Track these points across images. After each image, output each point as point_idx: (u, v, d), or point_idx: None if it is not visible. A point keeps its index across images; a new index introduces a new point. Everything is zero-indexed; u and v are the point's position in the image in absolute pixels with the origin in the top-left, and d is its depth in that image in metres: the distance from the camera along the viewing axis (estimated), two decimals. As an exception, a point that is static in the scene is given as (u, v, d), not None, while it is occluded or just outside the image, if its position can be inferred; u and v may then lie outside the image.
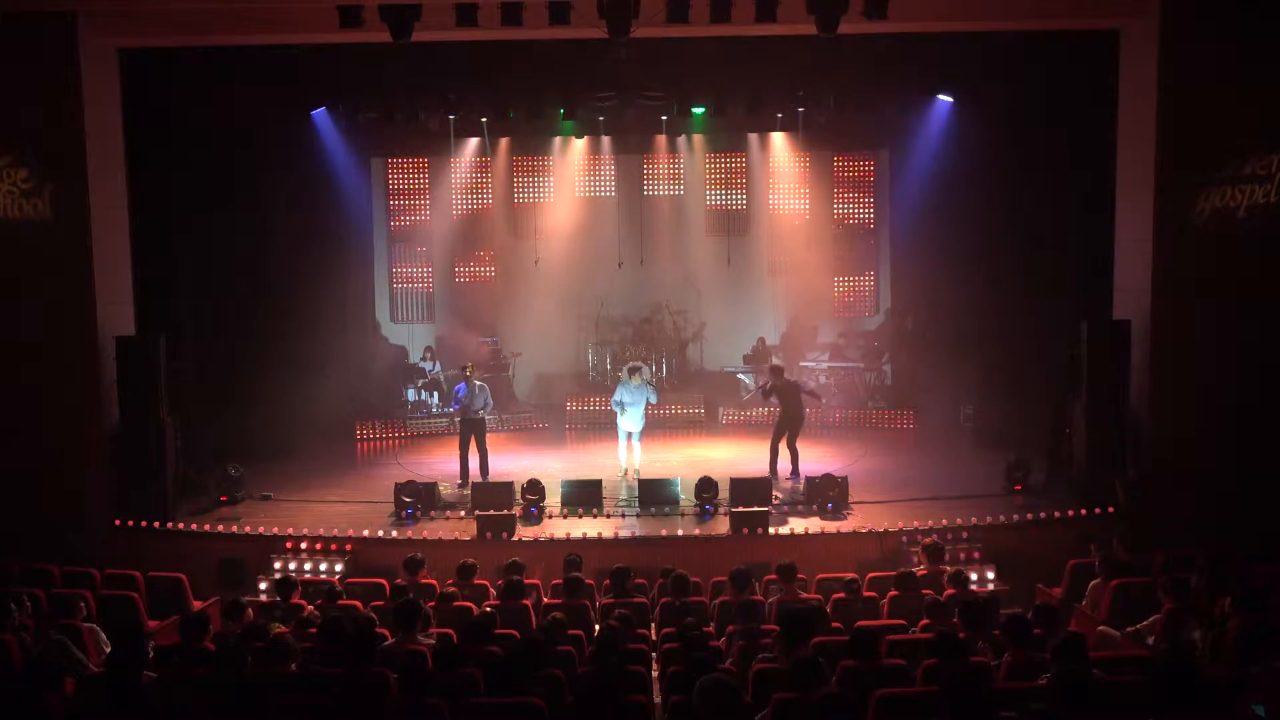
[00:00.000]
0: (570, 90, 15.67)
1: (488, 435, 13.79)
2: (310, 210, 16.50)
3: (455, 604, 8.82)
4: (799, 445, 13.71)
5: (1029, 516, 11.77)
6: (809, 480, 12.40)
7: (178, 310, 13.91)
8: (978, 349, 15.61)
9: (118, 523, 11.90)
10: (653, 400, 13.79)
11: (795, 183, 18.90)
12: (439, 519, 12.18)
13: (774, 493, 12.41)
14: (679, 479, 12.67)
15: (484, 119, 17.21)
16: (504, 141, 18.57)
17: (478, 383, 13.69)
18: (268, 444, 14.78)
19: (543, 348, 19.13)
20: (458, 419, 13.92)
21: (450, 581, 9.46)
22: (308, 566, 11.24)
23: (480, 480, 13.20)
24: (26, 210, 11.69)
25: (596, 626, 8.53)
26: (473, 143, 18.28)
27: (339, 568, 11.18)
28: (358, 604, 8.95)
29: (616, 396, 13.73)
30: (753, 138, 18.61)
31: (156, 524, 11.89)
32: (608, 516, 12.16)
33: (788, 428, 13.55)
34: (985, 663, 6.85)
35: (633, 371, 13.98)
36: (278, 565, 11.26)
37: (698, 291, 18.86)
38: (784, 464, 13.57)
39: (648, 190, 19.12)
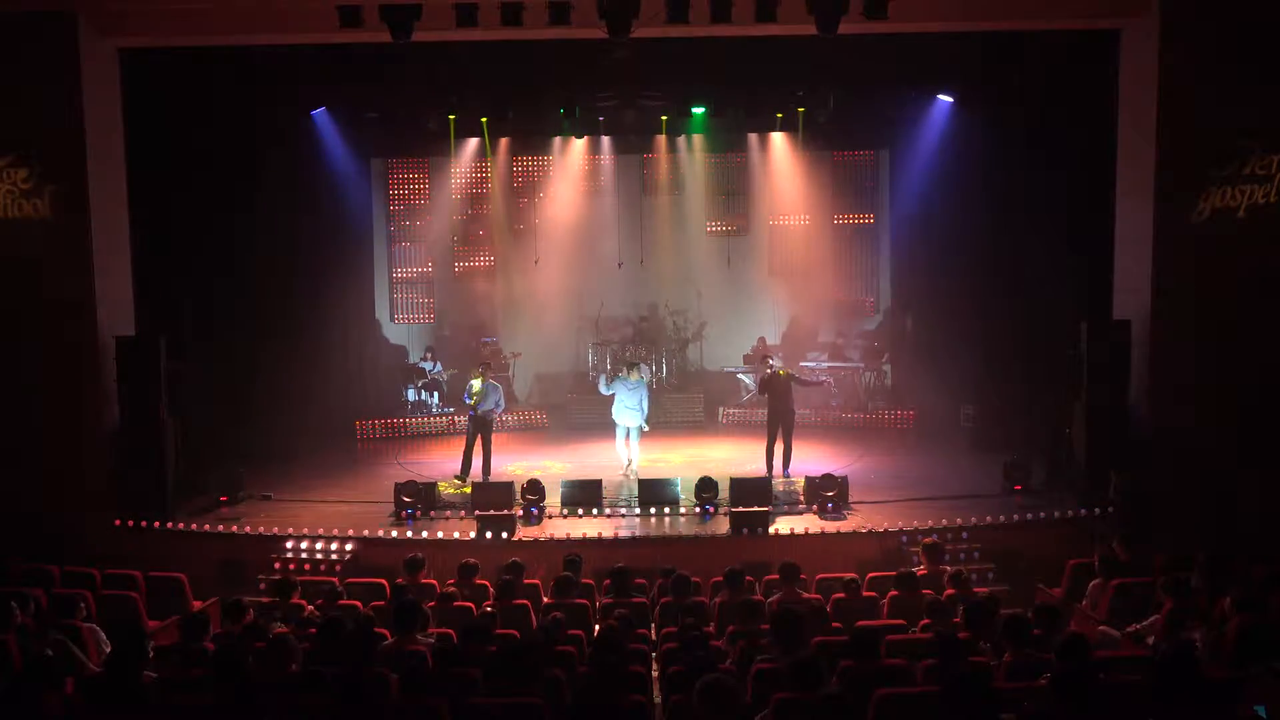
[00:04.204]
0: (570, 90, 15.68)
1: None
2: (310, 210, 16.50)
3: (455, 604, 8.83)
4: (796, 442, 13.74)
5: (1029, 516, 11.77)
6: (809, 480, 12.40)
7: (178, 310, 13.91)
8: (978, 349, 15.62)
9: (118, 523, 11.90)
10: (644, 409, 13.68)
11: (795, 182, 18.89)
12: (439, 519, 12.18)
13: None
14: (679, 479, 12.68)
15: (484, 119, 17.23)
16: (504, 141, 18.56)
17: (492, 381, 13.74)
18: (268, 444, 14.79)
19: (543, 348, 19.13)
20: (460, 415, 13.93)
21: (450, 581, 9.47)
22: (308, 566, 11.23)
23: (481, 480, 13.22)
24: (26, 210, 11.70)
25: (596, 626, 8.53)
26: (473, 143, 18.28)
27: (339, 568, 11.17)
28: (358, 604, 8.95)
29: (610, 387, 13.80)
30: (753, 138, 18.58)
31: (156, 524, 11.90)
32: (608, 516, 12.17)
33: (779, 423, 13.55)
34: (985, 663, 6.85)
35: (631, 368, 14.00)
36: (278, 565, 11.26)
37: (698, 291, 18.85)
38: (778, 461, 13.57)
39: (648, 190, 19.12)
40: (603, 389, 14.09)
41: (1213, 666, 6.85)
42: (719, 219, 19.24)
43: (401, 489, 12.30)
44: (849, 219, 19.16)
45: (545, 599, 9.25)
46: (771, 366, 13.69)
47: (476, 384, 13.52)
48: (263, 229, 15.40)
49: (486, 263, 19.43)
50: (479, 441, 13.55)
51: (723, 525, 11.75)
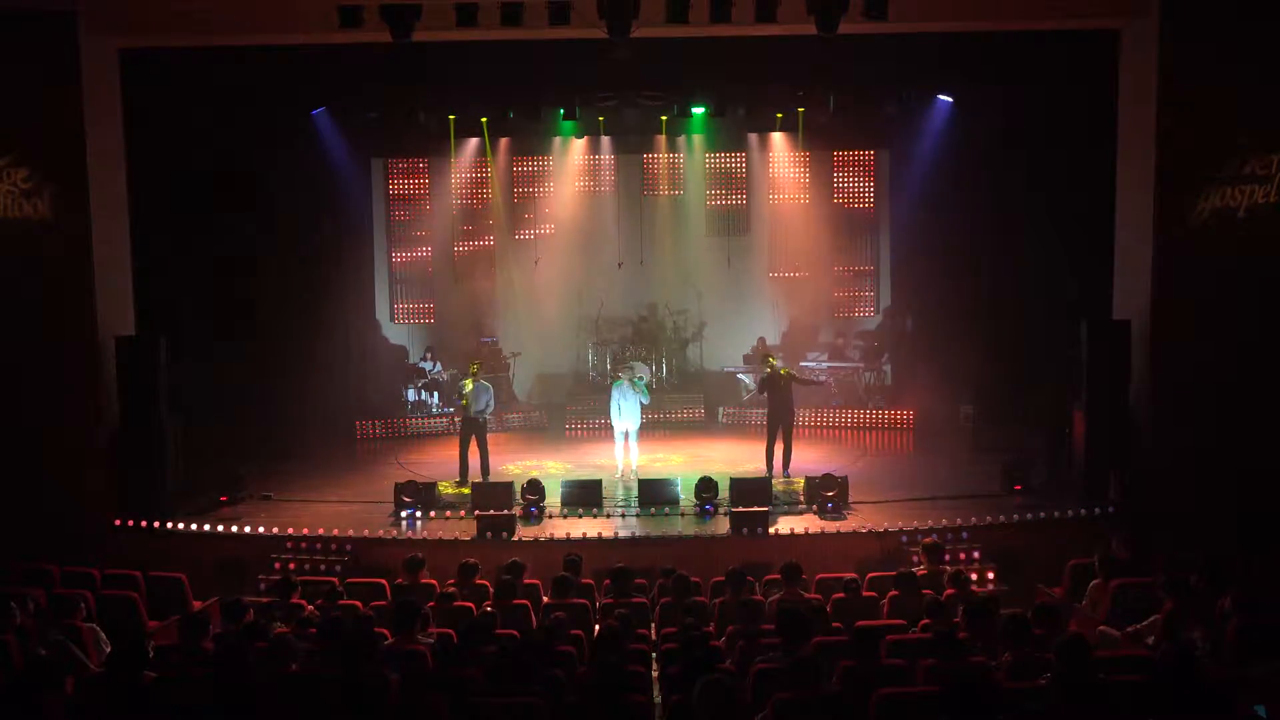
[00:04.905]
0: (570, 90, 15.68)
1: (488, 435, 13.78)
2: (310, 210, 16.50)
3: (455, 604, 8.83)
4: (796, 443, 13.74)
5: (1029, 516, 11.77)
6: (809, 480, 12.40)
7: (178, 310, 13.91)
8: (978, 349, 15.61)
9: (118, 523, 11.91)
10: (644, 401, 13.79)
11: (795, 183, 18.89)
12: (439, 519, 12.18)
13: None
14: (679, 479, 12.68)
15: (484, 119, 17.23)
16: (504, 141, 18.56)
17: (483, 382, 13.69)
18: (268, 444, 14.78)
19: (543, 348, 19.11)
20: (458, 417, 13.90)
21: (450, 581, 9.47)
22: (308, 566, 11.22)
23: (480, 480, 13.21)
24: (26, 210, 11.70)
25: (596, 626, 8.53)
26: (473, 143, 18.28)
27: (339, 568, 11.17)
28: (358, 604, 8.95)
29: (613, 401, 13.76)
30: (753, 138, 18.60)
31: (156, 524, 11.90)
32: (608, 516, 12.17)
33: (779, 423, 13.54)
34: (985, 662, 6.85)
35: (626, 370, 13.99)
36: (278, 565, 11.26)
37: (698, 291, 18.84)
38: (778, 461, 13.57)
39: (648, 190, 19.12)
40: (612, 406, 13.89)
41: (1213, 666, 6.85)
42: (719, 219, 19.22)
43: (401, 489, 12.30)
44: (849, 219, 19.13)
45: (545, 599, 9.25)
46: (772, 366, 13.69)
47: (468, 385, 13.51)
48: (263, 229, 15.40)
49: (486, 263, 19.41)
50: (474, 442, 13.52)
51: (723, 525, 11.75)
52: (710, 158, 18.98)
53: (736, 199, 19.26)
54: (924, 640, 7.29)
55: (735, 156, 19.06)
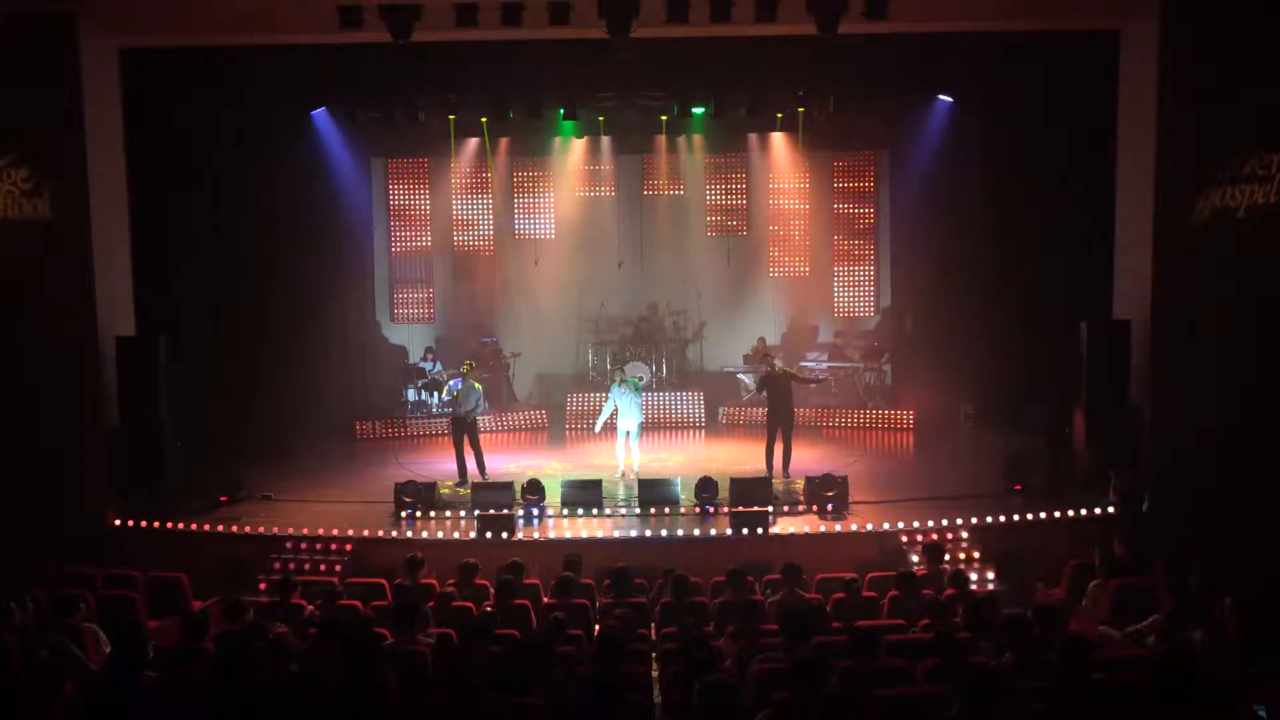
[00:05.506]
0: (570, 90, 15.69)
1: (481, 435, 13.78)
2: (310, 210, 16.50)
3: (455, 604, 8.83)
4: (796, 443, 13.72)
5: (1029, 516, 11.77)
6: (809, 480, 12.40)
7: (178, 310, 13.91)
8: (978, 349, 15.61)
9: (118, 523, 11.90)
10: (637, 399, 13.77)
11: (795, 183, 18.90)
12: (439, 519, 12.17)
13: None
14: (679, 479, 12.67)
15: (484, 119, 17.23)
16: (504, 141, 18.58)
17: (473, 383, 13.68)
18: (268, 444, 14.78)
19: (543, 348, 19.14)
20: (450, 418, 13.91)
21: (450, 581, 9.47)
22: (308, 566, 11.22)
23: (479, 479, 13.21)
24: (26, 210, 11.69)
25: (596, 626, 8.53)
26: (473, 143, 18.29)
27: (339, 568, 11.17)
28: (358, 604, 8.95)
29: (608, 403, 13.81)
30: (753, 138, 18.61)
31: (156, 524, 11.89)
32: (608, 516, 12.17)
33: (779, 423, 13.54)
34: (985, 662, 6.85)
35: (619, 371, 14.03)
36: (278, 565, 11.26)
37: (698, 291, 18.86)
38: (778, 461, 13.56)
39: (648, 190, 19.12)
40: (600, 424, 14.08)
41: (1213, 667, 6.85)
42: (719, 219, 19.23)
43: (401, 489, 12.30)
44: (849, 219, 19.14)
45: (545, 599, 9.25)
46: (772, 366, 13.69)
47: (458, 385, 13.50)
48: (263, 229, 15.40)
49: (486, 263, 19.42)
50: (467, 443, 13.51)
51: (723, 525, 11.75)
52: (710, 158, 18.99)
53: (736, 199, 19.26)
54: (924, 640, 7.29)
55: (735, 156, 19.07)
